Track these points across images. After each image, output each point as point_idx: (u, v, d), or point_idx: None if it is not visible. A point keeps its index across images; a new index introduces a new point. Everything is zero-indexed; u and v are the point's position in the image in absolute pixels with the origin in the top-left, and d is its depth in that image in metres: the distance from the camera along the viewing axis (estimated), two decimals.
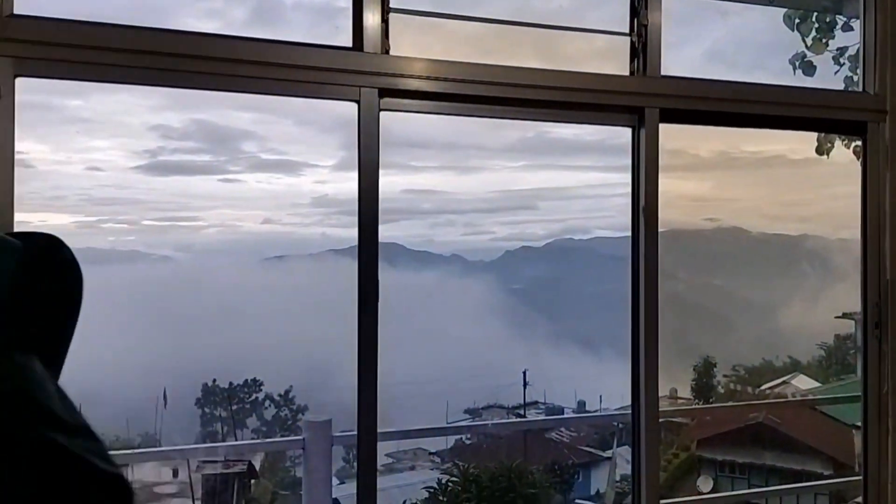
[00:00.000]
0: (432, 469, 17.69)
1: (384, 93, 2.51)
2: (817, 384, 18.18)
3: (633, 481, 3.01)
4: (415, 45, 2.60)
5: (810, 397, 15.48)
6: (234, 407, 29.55)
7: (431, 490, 10.42)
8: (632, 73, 2.86)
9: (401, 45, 2.57)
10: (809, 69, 3.87)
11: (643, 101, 2.82)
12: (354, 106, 2.50)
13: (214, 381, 29.98)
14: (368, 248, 2.49)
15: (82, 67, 2.24)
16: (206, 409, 29.52)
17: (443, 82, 2.57)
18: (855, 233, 3.25)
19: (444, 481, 10.45)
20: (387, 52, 2.52)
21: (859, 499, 3.39)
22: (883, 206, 3.17)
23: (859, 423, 3.38)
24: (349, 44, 2.50)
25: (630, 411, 3.01)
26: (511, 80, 2.66)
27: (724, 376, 21.18)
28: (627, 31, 2.87)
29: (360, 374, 2.53)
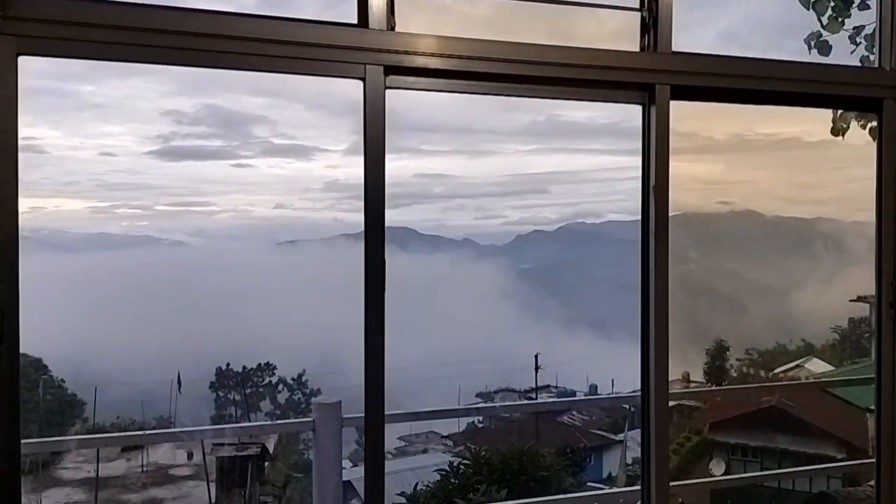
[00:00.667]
0: (444, 452, 17.80)
1: (390, 70, 2.47)
2: (831, 368, 18.09)
3: (643, 464, 3.00)
4: (426, 26, 2.56)
5: (824, 380, 15.40)
6: (248, 391, 29.83)
7: (443, 473, 10.45)
8: (642, 49, 2.81)
9: (412, 27, 2.53)
10: (825, 49, 3.79)
11: (654, 77, 2.77)
12: (362, 86, 2.46)
13: (228, 364, 30.27)
14: (375, 228, 2.47)
15: (87, 46, 2.22)
16: (220, 393, 29.82)
17: (450, 59, 2.53)
18: (870, 216, 3.19)
19: (455, 464, 10.49)
20: (392, 28, 2.49)
21: (873, 482, 3.35)
22: None
23: (873, 407, 3.34)
24: (354, 20, 2.46)
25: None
26: (520, 56, 2.62)
27: (738, 360, 21.14)
28: (638, 6, 2.82)
29: (366, 354, 2.52)
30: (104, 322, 39.30)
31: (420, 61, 2.50)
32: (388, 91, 2.49)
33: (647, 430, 2.93)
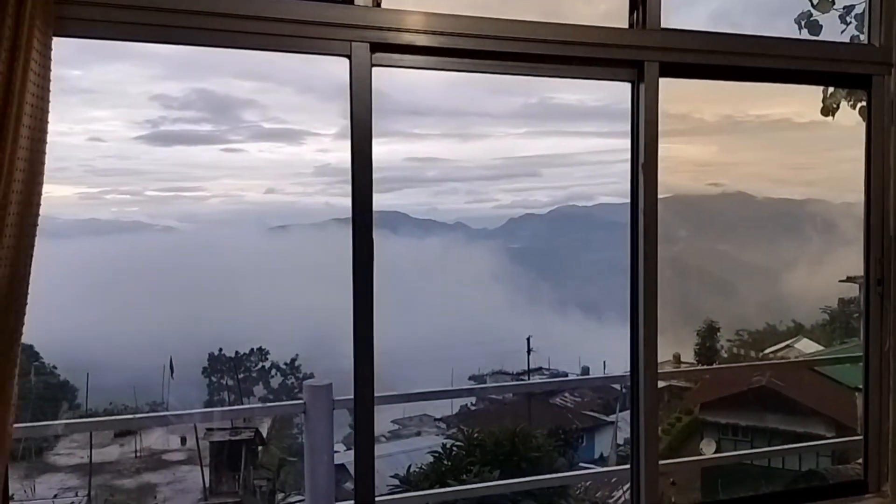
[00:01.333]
0: (438, 434, 17.90)
1: (376, 47, 2.44)
2: (821, 348, 18.23)
3: (632, 443, 3.01)
4: (414, 4, 2.53)
5: (813, 358, 15.52)
6: (241, 376, 29.85)
7: (436, 454, 10.52)
8: (631, 25, 2.79)
9: (399, 5, 2.50)
10: (815, 29, 3.77)
11: (642, 54, 2.75)
12: (348, 64, 2.44)
13: (221, 350, 30.26)
14: (362, 207, 2.45)
15: (62, 23, 2.18)
16: (213, 378, 29.85)
17: (437, 36, 2.51)
18: (859, 197, 3.19)
19: (448, 446, 10.56)
20: (378, 4, 2.46)
21: (861, 460, 3.37)
22: (887, 161, 3.11)
23: (861, 386, 3.35)
24: None
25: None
26: (508, 33, 2.60)
27: (728, 340, 21.27)
28: None
29: (355, 336, 2.50)
30: (96, 308, 39.19)
31: (407, 38, 2.47)
32: (376, 71, 2.46)
33: (636, 409, 2.94)
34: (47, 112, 1.99)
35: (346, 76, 2.43)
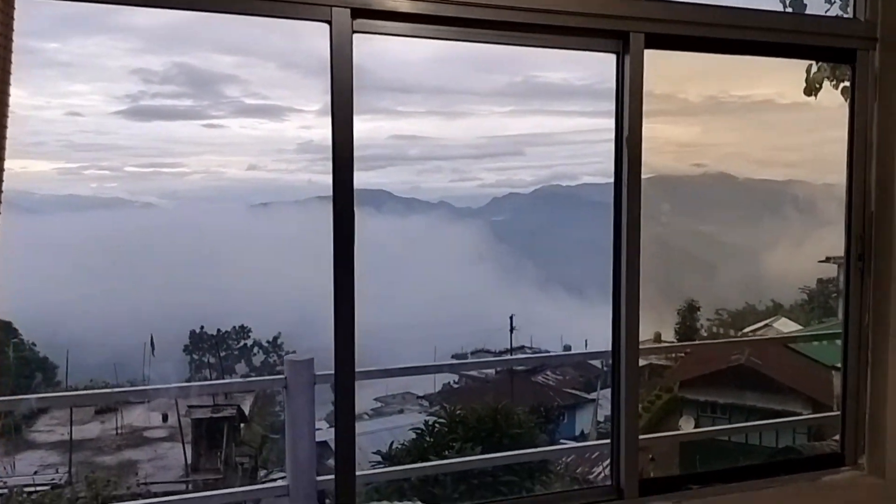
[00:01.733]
0: (420, 412, 17.95)
1: (357, 13, 2.39)
2: (799, 327, 18.42)
3: (613, 419, 3.02)
4: None
5: (792, 335, 15.71)
6: (223, 354, 29.75)
7: (419, 431, 10.56)
8: None
9: None
10: (799, 5, 3.77)
11: (628, 24, 2.72)
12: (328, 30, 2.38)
13: (202, 327, 30.08)
14: (343, 179, 2.42)
15: None
16: (195, 356, 29.69)
17: (420, 2, 2.46)
18: (841, 178, 3.20)
19: (431, 423, 10.59)
20: None
21: (838, 436, 3.40)
22: (870, 137, 3.12)
23: (839, 364, 3.37)
24: None
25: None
26: (493, 1, 2.55)
27: (708, 320, 21.43)
28: None
29: (336, 308, 2.48)
30: (76, 284, 38.84)
31: (389, 4, 2.43)
32: (360, 44, 2.42)
33: (617, 385, 2.94)
34: (9, 73, 1.91)
35: (328, 50, 2.38)
